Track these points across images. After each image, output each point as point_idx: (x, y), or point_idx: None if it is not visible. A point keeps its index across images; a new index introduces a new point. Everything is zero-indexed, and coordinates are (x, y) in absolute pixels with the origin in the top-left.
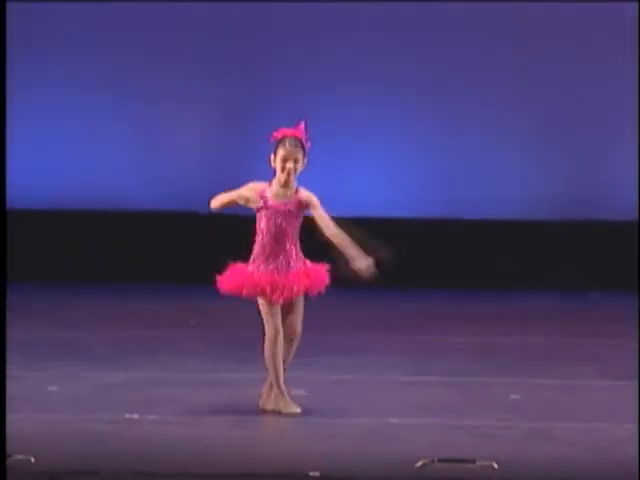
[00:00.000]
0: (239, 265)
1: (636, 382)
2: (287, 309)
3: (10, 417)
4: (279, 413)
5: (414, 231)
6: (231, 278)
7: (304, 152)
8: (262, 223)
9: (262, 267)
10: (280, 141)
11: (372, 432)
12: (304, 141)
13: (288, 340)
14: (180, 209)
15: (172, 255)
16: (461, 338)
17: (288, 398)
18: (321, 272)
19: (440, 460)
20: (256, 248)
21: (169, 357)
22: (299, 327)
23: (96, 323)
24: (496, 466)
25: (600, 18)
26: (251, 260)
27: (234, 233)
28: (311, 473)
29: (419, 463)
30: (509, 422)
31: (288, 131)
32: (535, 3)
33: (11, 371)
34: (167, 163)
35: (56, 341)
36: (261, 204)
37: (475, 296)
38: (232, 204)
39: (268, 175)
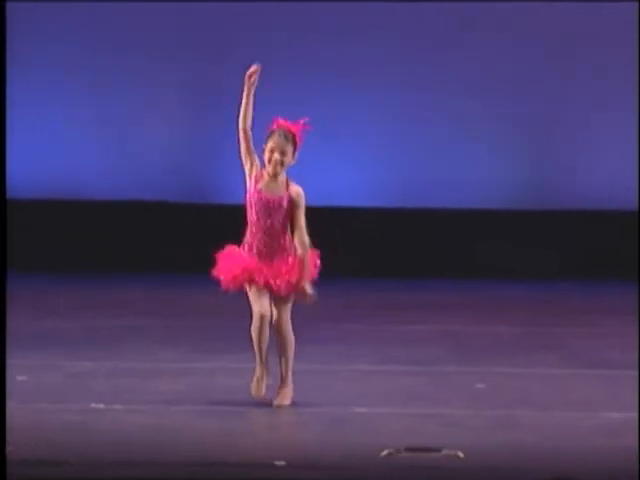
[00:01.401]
0: (233, 250)
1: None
2: (276, 302)
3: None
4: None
5: (387, 221)
6: (224, 263)
7: (294, 146)
8: (253, 214)
9: (252, 255)
10: (272, 132)
11: (338, 421)
12: (297, 136)
13: (277, 335)
14: (151, 199)
15: (142, 245)
16: (428, 327)
17: (259, 379)
18: (310, 259)
19: (406, 449)
20: (247, 238)
21: (137, 346)
22: (283, 318)
23: (65, 313)
24: (462, 455)
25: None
26: (242, 247)
27: (203, 222)
28: (277, 462)
29: (385, 452)
30: (475, 411)
31: (282, 123)
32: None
33: None
34: (133, 153)
35: (25, 330)
36: (254, 190)
37: (445, 286)
38: (247, 136)
39: (236, 164)
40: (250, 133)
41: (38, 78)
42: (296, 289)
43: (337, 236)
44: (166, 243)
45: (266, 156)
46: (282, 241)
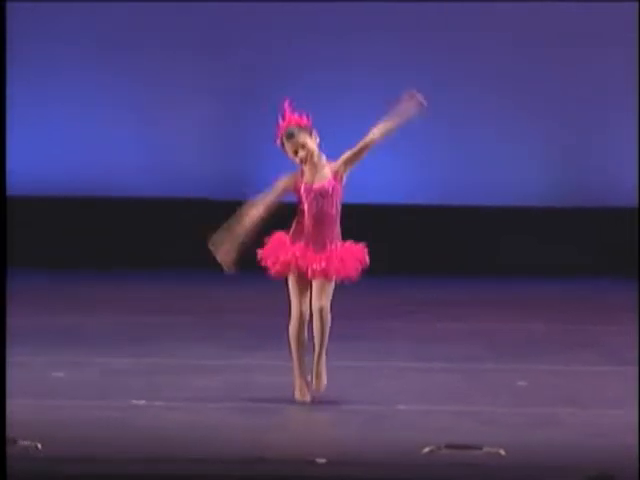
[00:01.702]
0: (281, 236)
1: (636, 368)
2: (317, 288)
3: (15, 403)
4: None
5: (415, 218)
6: (271, 248)
7: (309, 131)
8: (304, 206)
9: (300, 242)
10: (281, 139)
11: (378, 419)
12: (302, 123)
13: (315, 316)
14: (181, 195)
15: (175, 241)
16: (464, 324)
17: (302, 384)
18: (359, 253)
19: (447, 446)
20: (295, 226)
21: (173, 343)
22: (323, 301)
23: (98, 309)
24: (503, 452)
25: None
26: (290, 234)
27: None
28: (318, 459)
29: (426, 449)
30: (515, 408)
31: (282, 123)
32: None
33: (15, 358)
34: (166, 150)
35: (58, 327)
36: (302, 192)
37: (478, 283)
38: (274, 203)
39: (272, 163)
40: (263, 206)
41: (42, 75)
42: (341, 273)
43: (375, 233)
44: (197, 239)
45: (295, 160)
46: (332, 229)
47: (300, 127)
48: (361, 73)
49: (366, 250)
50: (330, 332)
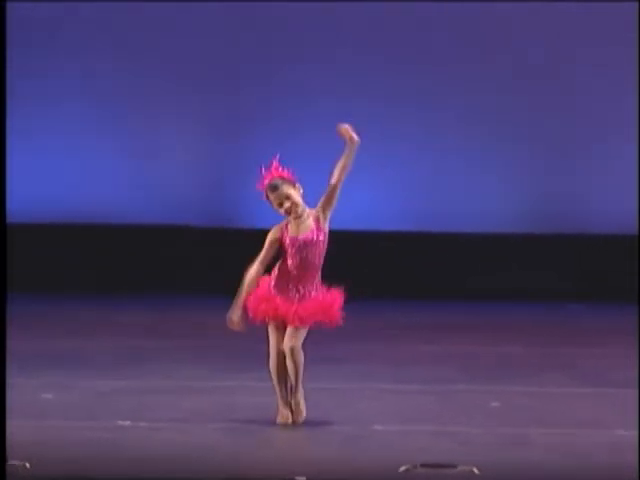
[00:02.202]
0: (265, 286)
1: (635, 390)
2: (292, 330)
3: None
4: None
5: (397, 244)
6: (256, 303)
7: (292, 183)
8: (288, 256)
9: (280, 289)
10: (265, 192)
11: (356, 438)
12: (285, 175)
13: (288, 357)
14: (171, 222)
15: (165, 267)
16: (441, 347)
17: (284, 411)
18: (336, 300)
19: (423, 465)
20: (277, 272)
21: (158, 365)
22: (293, 341)
23: (89, 333)
24: (477, 471)
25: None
26: (272, 282)
27: (225, 245)
28: (297, 478)
29: (402, 468)
30: (488, 428)
31: (265, 178)
32: (518, 19)
33: (7, 379)
34: (155, 178)
35: (50, 350)
36: (285, 243)
37: (455, 307)
38: (270, 259)
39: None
40: (258, 270)
41: (44, 104)
42: (318, 323)
43: (357, 259)
44: (184, 266)
45: (280, 211)
46: (314, 277)
47: (283, 179)
48: (347, 102)
49: (342, 296)
50: (310, 358)
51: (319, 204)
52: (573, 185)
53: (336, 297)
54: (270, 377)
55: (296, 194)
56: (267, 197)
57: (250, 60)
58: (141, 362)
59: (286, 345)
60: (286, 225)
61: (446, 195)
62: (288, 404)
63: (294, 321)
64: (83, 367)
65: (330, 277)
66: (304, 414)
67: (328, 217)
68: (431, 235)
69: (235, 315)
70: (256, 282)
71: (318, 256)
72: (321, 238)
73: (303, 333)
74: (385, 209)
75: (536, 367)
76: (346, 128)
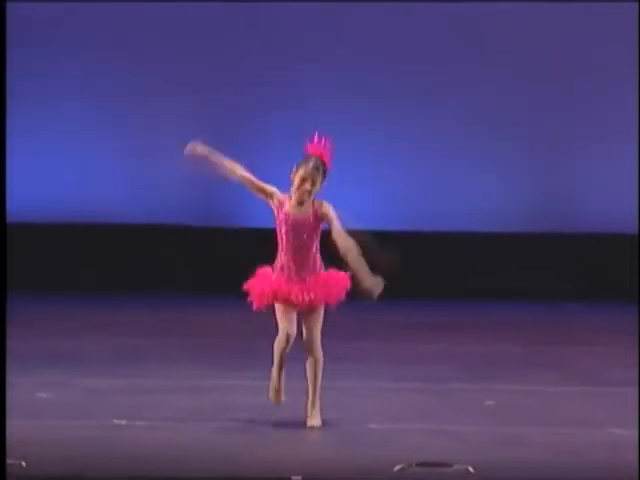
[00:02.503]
0: (265, 271)
1: (635, 388)
2: (306, 318)
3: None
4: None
5: (396, 243)
6: (255, 283)
7: (324, 176)
8: (282, 235)
9: (282, 275)
10: (305, 158)
11: (352, 437)
12: (326, 164)
13: (307, 352)
14: (165, 222)
15: (163, 266)
16: (437, 346)
17: (276, 387)
18: (341, 280)
19: (418, 464)
20: (277, 259)
21: (156, 365)
22: (314, 334)
23: (87, 332)
24: (472, 470)
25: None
26: (273, 269)
27: (219, 244)
28: (293, 477)
29: (397, 467)
30: (485, 427)
31: (318, 150)
32: (518, 19)
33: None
34: (154, 178)
35: (47, 349)
36: (280, 214)
37: (453, 306)
38: (255, 186)
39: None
40: (247, 175)
41: (48, 103)
42: (327, 300)
43: None
44: (183, 266)
45: (296, 182)
46: (312, 260)
47: (323, 166)
48: (347, 101)
49: (349, 277)
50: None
51: (329, 213)
52: (573, 185)
53: (341, 277)
54: (272, 352)
55: (318, 186)
56: (300, 162)
57: (250, 60)
58: (139, 361)
59: (306, 340)
60: (287, 199)
61: (446, 194)
62: (280, 381)
63: (298, 298)
64: (80, 366)
65: None
66: (319, 424)
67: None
68: (430, 234)
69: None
70: (231, 166)
71: (312, 238)
72: (314, 225)
73: (320, 320)
74: (385, 208)
75: (534, 366)
76: (377, 285)
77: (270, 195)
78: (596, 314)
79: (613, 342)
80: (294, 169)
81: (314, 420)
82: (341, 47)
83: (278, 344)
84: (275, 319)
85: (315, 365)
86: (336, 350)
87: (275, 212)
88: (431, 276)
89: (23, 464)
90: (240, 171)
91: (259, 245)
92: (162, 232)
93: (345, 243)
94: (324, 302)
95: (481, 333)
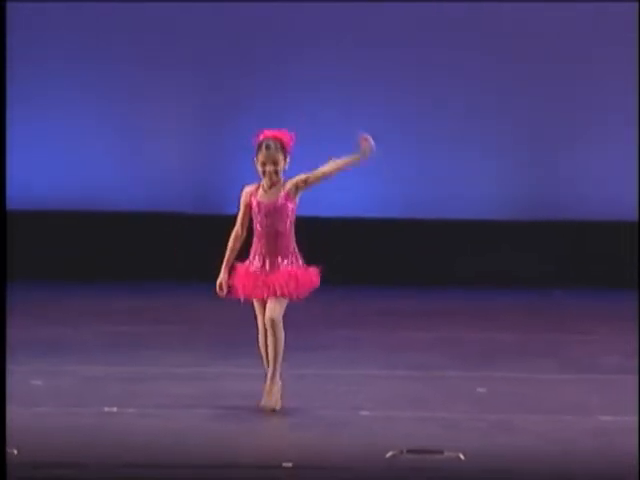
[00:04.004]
0: (240, 266)
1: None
2: (270, 301)
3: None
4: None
5: (383, 230)
6: (235, 280)
7: (285, 152)
8: (256, 223)
9: (254, 265)
10: (259, 144)
11: (343, 424)
12: (285, 142)
13: (268, 330)
14: (163, 210)
15: (154, 253)
16: (428, 334)
17: (270, 392)
18: (311, 276)
19: (409, 451)
20: (252, 245)
21: (149, 352)
22: (274, 312)
23: (78, 320)
24: (463, 457)
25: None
26: (249, 258)
27: (216, 232)
28: (284, 464)
29: (389, 454)
30: (475, 414)
31: (268, 132)
32: (516, 6)
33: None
34: (153, 166)
35: (39, 337)
36: (253, 204)
37: (443, 294)
38: (246, 220)
39: (250, 177)
40: (239, 230)
41: (46, 90)
42: (292, 296)
43: (342, 245)
44: (180, 253)
45: (259, 169)
46: (285, 246)
47: (281, 144)
48: (343, 88)
49: (318, 273)
50: (293, 343)
51: (296, 179)
52: (572, 172)
53: (312, 277)
54: (259, 352)
55: (283, 164)
56: (257, 150)
57: (250, 48)
58: (135, 349)
59: (267, 317)
60: (256, 189)
61: (442, 182)
62: (269, 392)
63: (264, 291)
64: (76, 353)
65: (319, 263)
66: (278, 403)
67: (300, 194)
68: (421, 221)
69: (222, 280)
70: (236, 242)
71: (285, 224)
72: (289, 205)
73: (282, 304)
74: (377, 196)
75: (521, 353)
76: (367, 140)
77: (245, 203)
78: (590, 301)
79: (607, 329)
80: (254, 160)
81: (272, 402)
82: (338, 38)
83: (260, 339)
84: (254, 314)
85: (275, 344)
86: (325, 338)
87: (251, 203)
88: (424, 263)
89: (15, 452)
90: (239, 240)
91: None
92: (160, 220)
93: (325, 169)
94: (289, 295)
95: (474, 320)
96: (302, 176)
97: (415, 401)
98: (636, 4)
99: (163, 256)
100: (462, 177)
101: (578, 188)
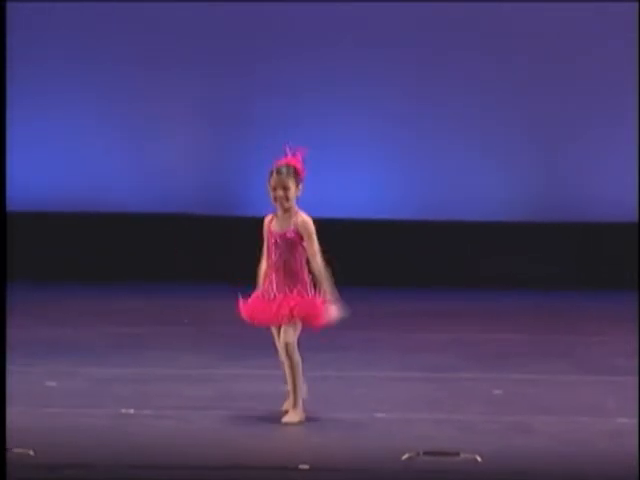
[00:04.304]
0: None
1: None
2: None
3: (10, 411)
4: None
5: (399, 232)
6: (246, 306)
7: (297, 179)
8: (270, 252)
9: (265, 292)
10: (271, 170)
11: (359, 426)
12: (298, 168)
13: (281, 350)
14: (167, 211)
15: (165, 255)
16: (443, 335)
17: (293, 408)
18: (319, 305)
19: (425, 453)
20: (265, 274)
21: (162, 353)
22: (288, 337)
23: (91, 321)
24: (479, 459)
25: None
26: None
27: (216, 232)
28: (301, 466)
29: (405, 456)
30: (492, 416)
31: (280, 160)
32: (516, 6)
33: (10, 367)
34: (154, 166)
35: (53, 338)
36: (268, 233)
37: (457, 295)
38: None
39: (251, 176)
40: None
41: (46, 90)
42: (304, 319)
43: (359, 247)
44: (183, 254)
45: (271, 196)
46: (298, 274)
47: (294, 170)
48: (347, 87)
49: (332, 307)
50: (310, 344)
51: (305, 230)
52: (574, 174)
53: (319, 305)
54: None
55: (294, 190)
56: (268, 179)
57: (253, 46)
58: (141, 350)
59: (280, 343)
60: (271, 219)
61: (449, 183)
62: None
63: (275, 318)
64: (82, 355)
65: (334, 265)
66: (300, 417)
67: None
68: (434, 223)
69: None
70: (264, 276)
71: (296, 258)
72: (297, 240)
73: (295, 329)
74: (386, 197)
75: (539, 355)
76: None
77: (264, 233)
78: (598, 302)
79: (616, 331)
80: (267, 187)
81: (289, 417)
82: (340, 35)
83: (280, 355)
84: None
85: (292, 369)
86: (342, 340)
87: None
88: (437, 265)
89: (31, 453)
90: (262, 271)
91: (259, 234)
92: (162, 220)
93: (314, 267)
94: (303, 322)
95: (487, 321)
96: (308, 232)
97: (431, 403)
98: (636, 4)
99: (163, 256)
100: (471, 179)
101: (586, 189)
